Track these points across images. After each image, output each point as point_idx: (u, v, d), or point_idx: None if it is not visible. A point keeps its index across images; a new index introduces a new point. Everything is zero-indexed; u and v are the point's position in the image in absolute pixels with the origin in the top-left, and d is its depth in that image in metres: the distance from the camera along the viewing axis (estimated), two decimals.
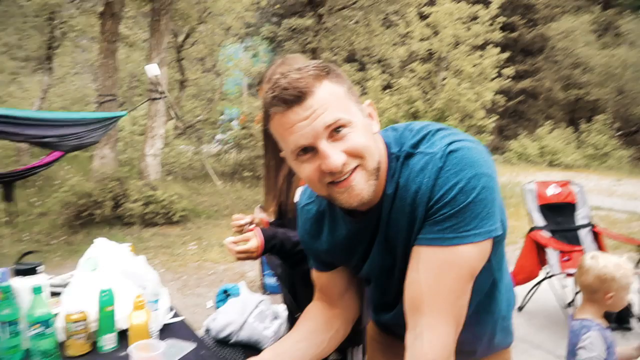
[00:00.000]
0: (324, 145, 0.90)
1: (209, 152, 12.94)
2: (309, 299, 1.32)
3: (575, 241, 4.24)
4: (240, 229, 1.72)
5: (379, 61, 13.13)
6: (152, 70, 4.62)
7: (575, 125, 19.67)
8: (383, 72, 13.57)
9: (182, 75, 12.90)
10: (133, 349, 1.33)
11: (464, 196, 0.91)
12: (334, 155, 0.90)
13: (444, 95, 11.54)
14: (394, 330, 1.29)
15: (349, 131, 0.92)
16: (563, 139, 18.20)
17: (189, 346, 1.59)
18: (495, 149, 19.78)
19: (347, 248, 1.12)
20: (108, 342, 1.54)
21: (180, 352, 1.55)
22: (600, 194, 11.15)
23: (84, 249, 1.85)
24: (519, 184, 9.94)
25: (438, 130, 1.00)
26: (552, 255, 3.98)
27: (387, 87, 13.17)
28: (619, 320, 3.96)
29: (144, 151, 8.30)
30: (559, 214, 4.35)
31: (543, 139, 18.43)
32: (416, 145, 0.99)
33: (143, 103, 9.15)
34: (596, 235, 4.29)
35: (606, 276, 1.89)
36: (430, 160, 0.95)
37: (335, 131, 0.91)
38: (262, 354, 1.17)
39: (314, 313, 1.26)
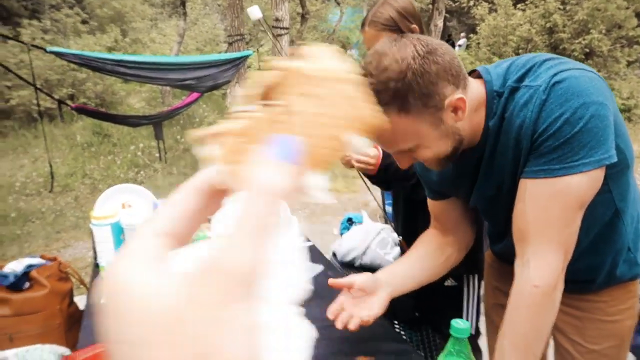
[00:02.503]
0: (394, 154, 1.07)
1: None
2: (422, 229, 1.42)
3: None
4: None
5: None
6: (254, 12, 4.50)
7: None
8: None
9: (303, 8, 12.97)
10: None
11: (570, 127, 0.91)
12: (401, 162, 1.07)
13: (587, 5, 10.19)
14: (508, 259, 1.34)
15: (415, 149, 1.01)
16: None
17: (318, 268, 1.79)
18: None
19: (454, 181, 1.19)
20: None
21: (310, 272, 1.75)
22: None
23: None
24: None
25: (545, 61, 0.98)
26: None
27: (519, 0, 11.98)
28: None
29: None
30: None
31: None
32: (521, 78, 0.99)
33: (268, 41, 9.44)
34: None
35: None
36: (535, 94, 0.95)
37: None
38: (377, 273, 1.30)
39: (428, 239, 1.36)
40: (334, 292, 1.62)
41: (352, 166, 1.76)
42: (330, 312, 1.22)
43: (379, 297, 1.24)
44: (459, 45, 17.35)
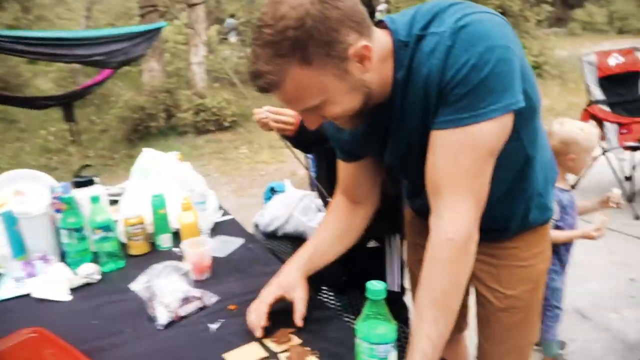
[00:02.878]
0: (301, 113, 1.00)
1: None
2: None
3: (637, 112, 4.01)
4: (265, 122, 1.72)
5: None
6: None
7: None
8: None
9: None
10: (184, 246, 1.46)
11: (476, 73, 0.87)
12: (309, 122, 1.01)
13: None
14: (426, 214, 1.33)
15: (322, 106, 0.94)
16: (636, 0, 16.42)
17: (238, 241, 1.72)
18: (557, 21, 18.22)
19: (366, 139, 1.14)
20: (164, 241, 1.69)
21: (230, 246, 1.68)
22: None
23: None
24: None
25: (449, 6, 0.94)
26: (610, 129, 3.81)
27: None
28: None
29: (189, 60, 8.33)
30: (621, 86, 4.10)
31: (613, 2, 16.71)
32: (426, 26, 0.94)
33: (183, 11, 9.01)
34: None
35: (570, 139, 1.99)
36: (440, 41, 0.90)
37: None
38: (290, 266, 1.25)
39: (338, 214, 1.31)
40: (253, 266, 1.55)
41: (270, 128, 1.69)
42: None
43: (297, 296, 1.20)
44: (380, 11, 17.41)
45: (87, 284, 1.49)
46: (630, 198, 3.73)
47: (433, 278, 0.98)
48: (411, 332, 0.96)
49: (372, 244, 1.75)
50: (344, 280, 1.86)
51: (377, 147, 1.15)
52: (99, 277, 1.51)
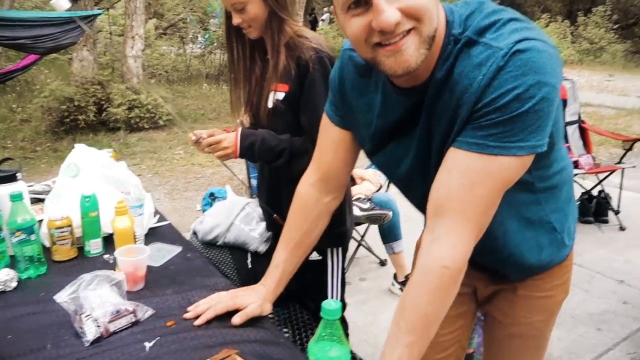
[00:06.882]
0: None
1: (193, 52, 12.48)
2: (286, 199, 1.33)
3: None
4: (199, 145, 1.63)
5: None
6: (61, 3, 3.90)
7: (572, 18, 19.01)
8: None
9: None
10: (118, 253, 1.35)
11: (519, 104, 0.82)
12: (389, 11, 0.79)
13: None
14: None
15: None
16: (558, 33, 17.62)
17: (175, 249, 1.62)
18: None
19: (373, 116, 1.06)
20: (94, 246, 1.56)
21: (166, 255, 1.57)
22: (591, 90, 11.09)
23: None
24: None
25: (511, 20, 0.87)
26: None
27: None
28: (597, 213, 4.11)
29: (125, 53, 7.97)
30: None
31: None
32: (482, 32, 0.87)
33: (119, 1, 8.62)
34: (583, 132, 4.31)
35: None
36: (492, 56, 0.84)
37: None
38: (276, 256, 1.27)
39: (309, 208, 1.26)
40: (192, 278, 1.46)
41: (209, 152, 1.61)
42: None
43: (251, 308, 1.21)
44: (323, 20, 17.58)
45: (2, 292, 1.34)
46: None
47: (419, 302, 0.91)
48: (383, 352, 0.90)
49: (313, 256, 1.71)
50: (283, 294, 1.80)
51: (373, 134, 1.07)
52: (15, 284, 1.37)
